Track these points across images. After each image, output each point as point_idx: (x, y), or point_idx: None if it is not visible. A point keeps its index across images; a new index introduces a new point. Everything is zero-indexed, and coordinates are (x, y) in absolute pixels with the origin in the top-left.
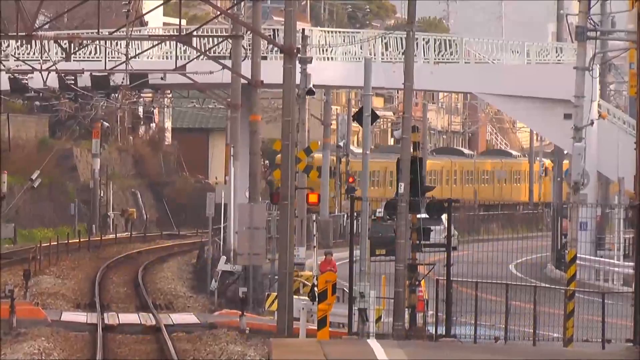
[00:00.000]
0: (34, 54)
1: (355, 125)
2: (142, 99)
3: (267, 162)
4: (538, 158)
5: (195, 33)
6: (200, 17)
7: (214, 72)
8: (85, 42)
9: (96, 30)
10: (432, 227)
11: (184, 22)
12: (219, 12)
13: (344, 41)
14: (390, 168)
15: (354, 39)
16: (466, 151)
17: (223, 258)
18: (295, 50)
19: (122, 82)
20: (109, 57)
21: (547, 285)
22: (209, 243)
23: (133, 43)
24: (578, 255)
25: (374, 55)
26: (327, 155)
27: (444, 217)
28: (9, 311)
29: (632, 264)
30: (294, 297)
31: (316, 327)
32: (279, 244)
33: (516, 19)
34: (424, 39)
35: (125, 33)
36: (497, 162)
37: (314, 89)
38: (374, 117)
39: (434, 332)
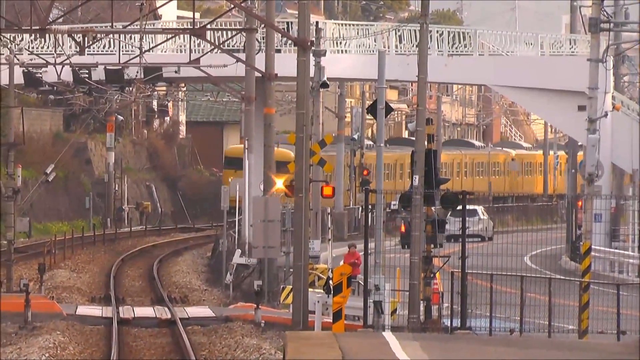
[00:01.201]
0: (47, 47)
1: (369, 117)
2: (156, 93)
3: None
4: (552, 150)
5: (209, 26)
6: (214, 10)
7: (228, 65)
8: (99, 35)
9: (110, 24)
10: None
11: (197, 15)
12: (232, 5)
13: (357, 34)
14: (401, 161)
15: (367, 31)
16: (477, 143)
17: (238, 251)
18: (309, 43)
19: (136, 76)
20: (123, 51)
21: (562, 277)
22: (224, 236)
23: (147, 37)
24: (593, 246)
25: (388, 47)
26: (342, 147)
27: (480, 208)
28: (24, 305)
29: None
30: (309, 290)
31: (331, 320)
32: (294, 237)
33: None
34: (437, 32)
35: (139, 27)
36: (507, 153)
37: (327, 82)
38: (388, 109)
39: (449, 325)
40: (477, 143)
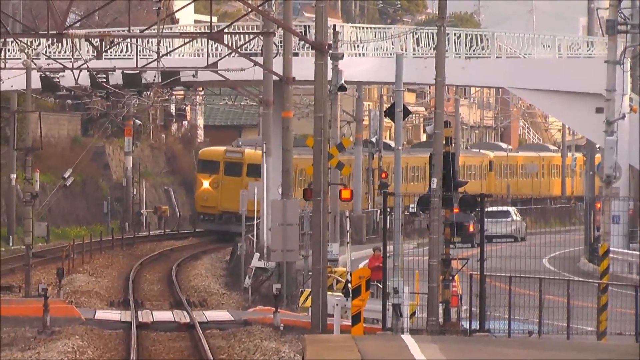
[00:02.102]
0: (65, 52)
1: (387, 121)
2: (174, 97)
3: None
4: (570, 152)
5: (226, 30)
6: (232, 14)
7: (245, 69)
8: (116, 40)
9: (127, 28)
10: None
11: (215, 19)
12: (250, 9)
13: (375, 37)
14: (412, 164)
15: (385, 34)
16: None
17: (256, 255)
18: (326, 47)
19: (154, 80)
20: (140, 55)
21: (580, 279)
22: (243, 240)
23: (164, 41)
24: (611, 248)
25: (406, 50)
26: (360, 151)
27: (513, 209)
28: (42, 310)
29: None
30: (328, 293)
31: (350, 323)
32: (313, 240)
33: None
34: (455, 34)
35: (156, 31)
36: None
37: (345, 85)
38: (406, 112)
39: (467, 327)
40: (504, 145)
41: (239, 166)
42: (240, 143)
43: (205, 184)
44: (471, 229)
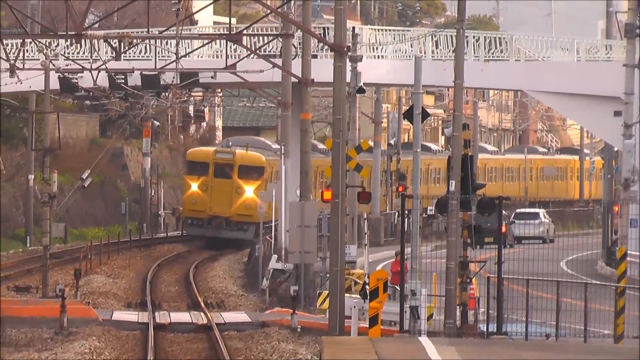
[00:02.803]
0: (83, 53)
1: (406, 123)
2: (192, 98)
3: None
4: (588, 156)
5: (245, 32)
6: (251, 15)
7: (264, 71)
8: (135, 41)
9: (146, 29)
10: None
11: (234, 20)
12: (269, 11)
13: (394, 39)
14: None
15: (404, 37)
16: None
17: (274, 256)
18: (345, 49)
19: (173, 81)
20: (159, 56)
21: (597, 282)
22: (260, 241)
23: (183, 42)
24: (628, 252)
25: (424, 53)
26: (378, 153)
27: (542, 211)
28: (60, 310)
29: None
30: (346, 295)
31: (368, 325)
32: (330, 242)
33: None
34: (474, 37)
35: (175, 32)
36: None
37: (364, 87)
38: (425, 115)
39: (485, 330)
40: (489, 147)
41: (229, 167)
42: (230, 143)
43: (194, 186)
44: (503, 230)
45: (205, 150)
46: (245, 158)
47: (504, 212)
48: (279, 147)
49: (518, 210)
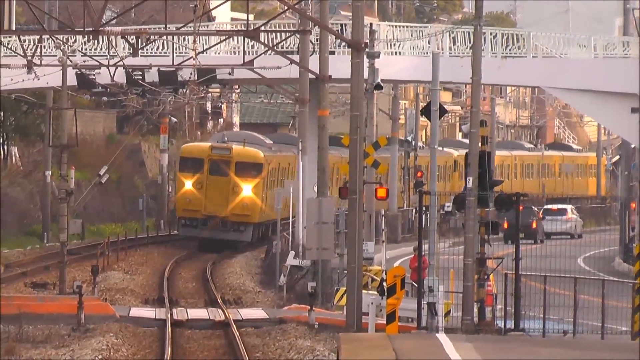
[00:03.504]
0: (101, 49)
1: (423, 119)
2: (209, 94)
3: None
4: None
5: (262, 28)
6: (268, 12)
7: (281, 67)
8: (152, 37)
9: (163, 26)
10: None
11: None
12: (286, 7)
13: (411, 36)
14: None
15: (421, 33)
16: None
17: (292, 253)
18: (363, 45)
19: (190, 77)
20: (176, 53)
21: (615, 279)
22: (278, 238)
23: (200, 38)
24: None
25: (442, 49)
26: (395, 149)
27: (570, 207)
28: (77, 307)
29: None
30: (363, 291)
31: (385, 322)
32: (348, 239)
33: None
34: (491, 33)
35: (192, 28)
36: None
37: (381, 84)
38: (442, 111)
39: (502, 326)
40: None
41: (225, 164)
42: (225, 138)
43: (188, 184)
44: (534, 226)
45: (200, 145)
46: (242, 154)
47: (534, 208)
48: (272, 142)
49: (546, 207)
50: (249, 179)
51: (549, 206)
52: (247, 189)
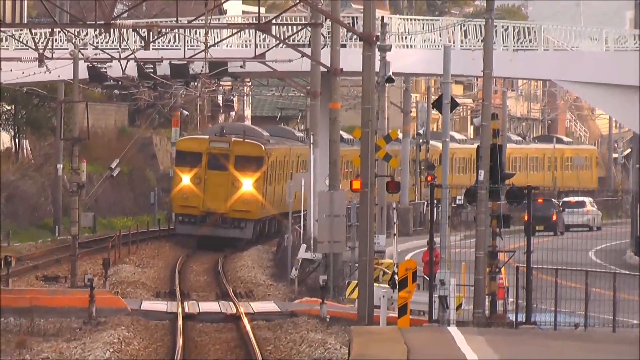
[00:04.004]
0: (112, 42)
1: (434, 112)
2: (221, 87)
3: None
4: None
5: (274, 21)
6: (279, 5)
7: (293, 60)
8: (164, 30)
9: (175, 19)
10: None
11: (262, 10)
12: (298, 0)
13: (423, 29)
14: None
15: (433, 26)
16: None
17: (303, 246)
18: (374, 38)
19: (202, 71)
20: (188, 46)
21: (626, 272)
22: (289, 231)
23: (212, 31)
24: None
25: (453, 42)
26: (407, 142)
27: (588, 200)
28: (88, 300)
29: None
30: (374, 284)
31: (397, 315)
32: (359, 232)
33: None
34: (502, 27)
35: (204, 21)
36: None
37: (393, 77)
38: (454, 104)
39: (514, 320)
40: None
41: (225, 158)
42: (224, 131)
43: (185, 179)
44: (554, 218)
45: (197, 138)
46: (242, 148)
47: (554, 200)
48: (269, 134)
49: (565, 199)
50: (249, 173)
51: (568, 199)
52: (247, 183)
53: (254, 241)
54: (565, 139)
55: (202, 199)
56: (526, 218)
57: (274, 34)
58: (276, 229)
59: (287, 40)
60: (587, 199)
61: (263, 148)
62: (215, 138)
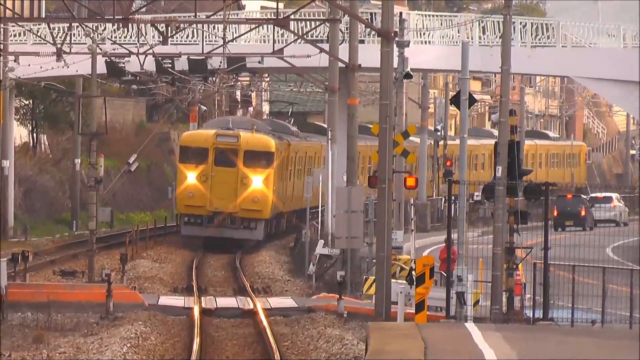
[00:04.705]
0: (130, 37)
1: (452, 108)
2: (239, 83)
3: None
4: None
5: (292, 17)
6: (298, 0)
7: (311, 56)
8: (182, 25)
9: (193, 14)
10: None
11: (281, 5)
12: None
13: (441, 25)
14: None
15: (451, 22)
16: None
17: (321, 242)
18: (392, 34)
19: (220, 66)
20: (206, 41)
21: None
22: (307, 226)
23: (230, 27)
24: None
25: (471, 39)
26: (425, 138)
27: (615, 195)
28: (106, 295)
29: None
30: (392, 280)
31: (414, 311)
32: (377, 228)
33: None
34: (521, 23)
35: (222, 17)
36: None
37: (411, 73)
38: (472, 100)
39: (531, 316)
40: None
41: (233, 153)
42: (230, 125)
43: (191, 177)
44: (583, 213)
45: (203, 133)
46: (251, 142)
47: (583, 196)
48: (273, 130)
49: (592, 195)
50: (260, 169)
51: (595, 194)
52: (257, 180)
53: (265, 241)
54: (551, 134)
55: (209, 197)
56: (556, 213)
57: (293, 29)
58: (285, 228)
59: (305, 36)
60: (614, 195)
61: (273, 142)
62: (222, 132)
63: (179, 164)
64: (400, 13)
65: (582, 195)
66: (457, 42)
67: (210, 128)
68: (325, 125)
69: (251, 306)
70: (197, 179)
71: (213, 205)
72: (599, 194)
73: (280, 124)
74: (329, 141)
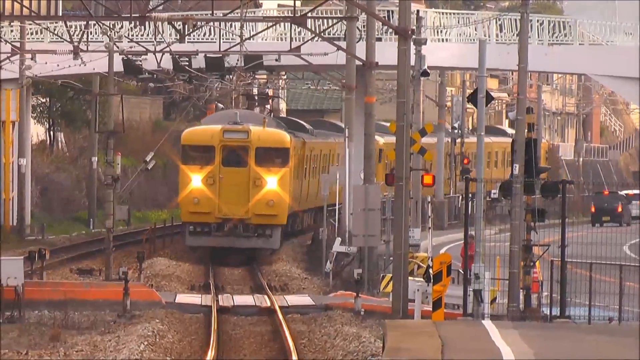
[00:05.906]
0: (147, 35)
1: (469, 106)
2: (256, 81)
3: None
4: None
5: (310, 14)
6: None
7: (328, 54)
8: (199, 23)
9: (210, 12)
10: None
11: (298, 3)
12: None
13: (458, 22)
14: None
15: (468, 20)
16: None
17: (338, 239)
18: (409, 32)
19: (237, 64)
20: (223, 39)
21: None
22: (324, 224)
23: (247, 24)
24: None
25: (489, 36)
26: (442, 136)
27: None
28: (123, 293)
29: None
30: (409, 278)
31: (431, 309)
32: (394, 225)
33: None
34: (538, 21)
35: (239, 14)
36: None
37: (428, 71)
38: (489, 98)
39: (548, 313)
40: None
41: (243, 151)
42: (238, 118)
43: (196, 180)
44: (619, 209)
45: (208, 129)
46: (263, 138)
47: (619, 192)
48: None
49: (626, 191)
50: (274, 168)
51: (626, 191)
52: (271, 181)
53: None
54: (509, 131)
55: (217, 203)
56: (593, 209)
57: (310, 27)
58: (301, 227)
59: (322, 34)
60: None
61: (288, 137)
62: (229, 127)
63: (181, 165)
64: (418, 11)
65: (618, 191)
66: (474, 40)
67: (214, 123)
68: (340, 124)
69: (268, 304)
70: (203, 182)
71: (222, 212)
72: (630, 191)
73: (293, 121)
74: (346, 139)
